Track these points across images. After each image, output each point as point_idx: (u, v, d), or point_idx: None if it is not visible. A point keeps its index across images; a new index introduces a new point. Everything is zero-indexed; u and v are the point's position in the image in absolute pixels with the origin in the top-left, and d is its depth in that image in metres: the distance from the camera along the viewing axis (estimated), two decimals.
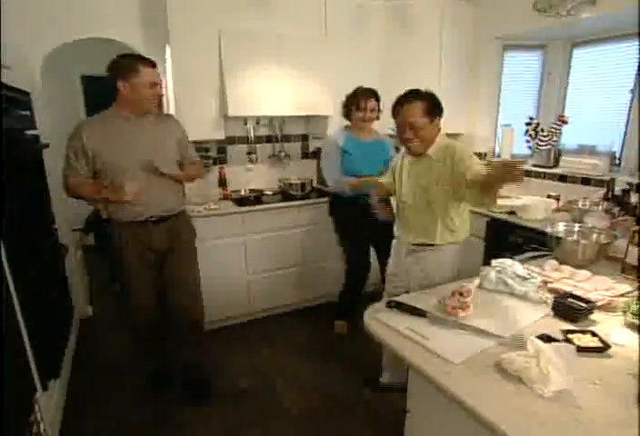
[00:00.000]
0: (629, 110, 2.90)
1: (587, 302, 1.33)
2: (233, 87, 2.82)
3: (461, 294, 1.38)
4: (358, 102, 2.55)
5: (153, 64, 1.94)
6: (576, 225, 1.91)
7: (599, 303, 1.36)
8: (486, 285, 1.48)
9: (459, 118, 3.49)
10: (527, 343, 1.12)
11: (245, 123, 3.29)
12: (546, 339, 1.22)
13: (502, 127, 3.39)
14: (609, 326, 1.29)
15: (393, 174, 2.10)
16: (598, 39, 3.05)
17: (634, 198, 2.43)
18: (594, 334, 1.21)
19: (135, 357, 2.62)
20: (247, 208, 2.88)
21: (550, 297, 1.41)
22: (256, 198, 3.06)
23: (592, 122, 3.14)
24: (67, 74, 4.66)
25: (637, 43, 2.80)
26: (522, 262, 1.66)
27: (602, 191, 2.67)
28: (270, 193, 3.25)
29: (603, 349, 1.19)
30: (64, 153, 1.96)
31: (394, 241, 2.13)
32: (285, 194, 3.17)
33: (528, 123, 3.24)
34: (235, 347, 2.82)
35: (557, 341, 1.20)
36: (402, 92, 2.90)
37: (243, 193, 3.19)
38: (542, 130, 3.17)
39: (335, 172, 2.66)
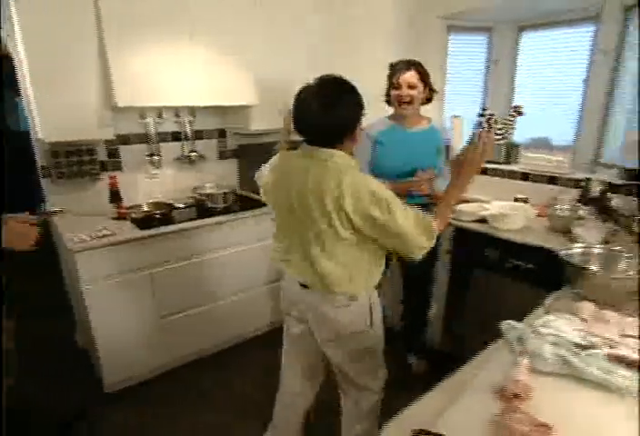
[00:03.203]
0: (583, 101, 2.65)
1: None
2: (121, 67, 2.05)
3: (517, 396, 0.87)
4: (391, 77, 1.93)
5: None
6: (596, 248, 1.51)
7: None
8: (540, 367, 0.99)
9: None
10: None
11: (143, 117, 2.51)
12: None
13: (451, 118, 2.99)
14: None
15: None
16: (548, 23, 2.75)
17: (615, 202, 2.14)
18: None
19: None
20: (153, 231, 2.15)
21: (627, 375, 0.96)
22: (164, 215, 2.33)
23: (541, 113, 2.86)
24: None
25: (592, 28, 2.55)
26: (549, 308, 1.20)
27: (571, 192, 2.37)
28: (182, 205, 2.54)
29: None
30: None
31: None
32: (201, 208, 2.47)
33: (481, 115, 2.87)
34: (149, 412, 2.12)
35: None
36: (342, 70, 2.38)
37: (145, 208, 2.43)
38: (496, 122, 2.82)
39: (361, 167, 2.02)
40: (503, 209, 2.17)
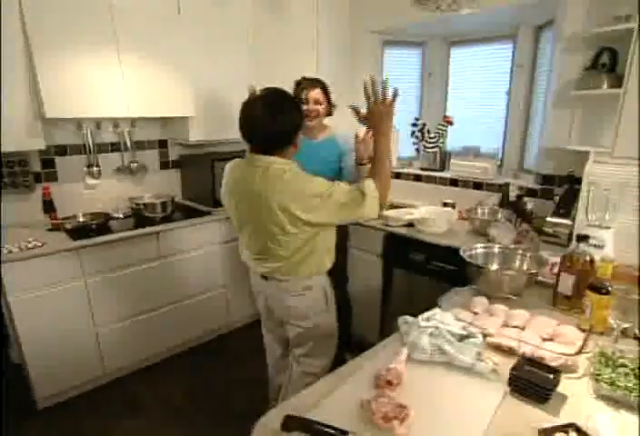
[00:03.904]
0: (507, 111, 2.84)
1: (549, 368, 1.01)
2: (49, 78, 2.05)
3: (389, 383, 0.95)
4: (299, 94, 2.07)
5: None
6: (496, 247, 1.63)
7: (555, 364, 1.05)
8: (418, 356, 1.07)
9: (340, 117, 3.15)
10: None
11: (80, 128, 2.51)
12: None
13: None
14: (581, 401, 0.97)
15: None
16: (474, 39, 2.94)
17: (529, 205, 2.30)
18: (578, 431, 0.86)
19: None
20: (84, 242, 2.14)
21: (498, 362, 1.07)
22: (101, 226, 2.33)
23: (472, 123, 3.04)
24: None
25: (511, 45, 2.75)
26: (449, 304, 1.31)
27: (495, 196, 2.53)
28: (121, 215, 2.55)
29: None
30: None
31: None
32: (139, 218, 2.48)
33: (414, 124, 3.02)
34: (86, 424, 2.10)
35: None
36: (277, 82, 2.47)
37: (81, 218, 2.42)
38: (428, 131, 2.98)
39: None
40: (427, 213, 2.30)
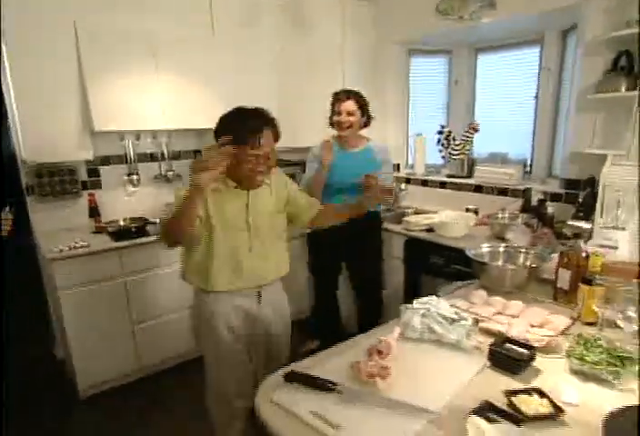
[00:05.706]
0: (535, 117, 2.83)
1: (527, 346, 1.10)
2: (98, 96, 2.30)
3: (380, 352, 1.04)
4: (333, 105, 2.16)
5: None
6: (501, 246, 1.67)
7: (538, 345, 1.10)
8: (410, 334, 1.19)
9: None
10: (468, 427, 0.84)
11: (122, 140, 2.76)
12: (488, 408, 0.95)
13: (413, 136, 3.20)
14: (554, 375, 1.07)
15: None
16: (500, 45, 2.97)
17: (550, 209, 2.29)
18: (541, 394, 0.96)
19: None
20: (125, 243, 2.34)
21: (484, 342, 1.13)
22: (139, 229, 2.54)
23: (501, 129, 3.04)
24: None
25: (538, 49, 2.76)
26: (449, 296, 1.37)
27: (519, 202, 2.52)
28: (157, 220, 2.74)
29: (555, 415, 0.93)
30: None
31: None
32: None
33: (440, 132, 3.07)
34: (119, 418, 2.25)
35: (502, 412, 0.93)
36: (303, 97, 2.60)
37: (122, 223, 2.64)
38: (454, 138, 3.02)
39: (305, 181, 2.27)
40: (446, 218, 2.33)
